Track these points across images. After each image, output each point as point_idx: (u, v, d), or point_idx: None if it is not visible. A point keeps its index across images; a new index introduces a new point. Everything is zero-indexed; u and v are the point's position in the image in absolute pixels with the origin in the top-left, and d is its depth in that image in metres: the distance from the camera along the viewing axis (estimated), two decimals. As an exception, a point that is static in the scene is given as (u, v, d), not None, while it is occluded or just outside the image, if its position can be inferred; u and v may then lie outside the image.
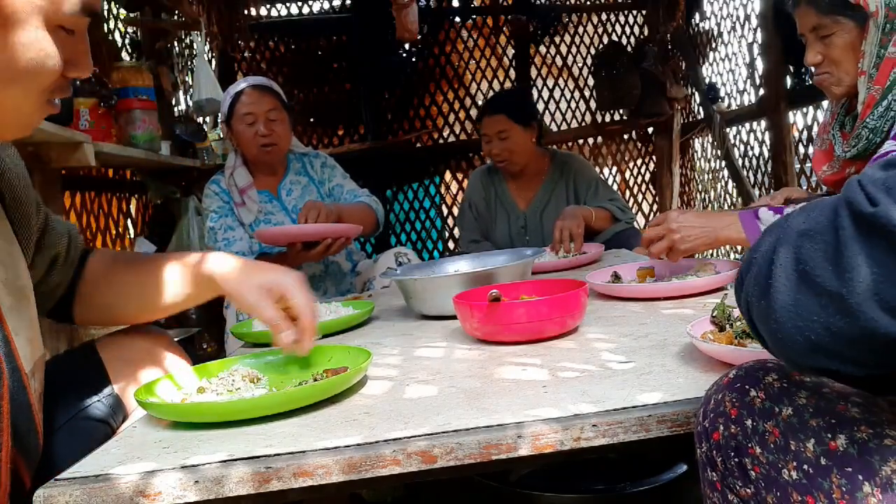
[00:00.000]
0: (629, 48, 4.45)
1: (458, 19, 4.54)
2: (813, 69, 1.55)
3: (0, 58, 0.77)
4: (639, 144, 4.69)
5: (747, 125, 3.83)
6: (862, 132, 1.46)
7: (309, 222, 2.05)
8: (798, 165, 3.43)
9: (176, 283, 1.07)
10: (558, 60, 4.61)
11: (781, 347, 0.55)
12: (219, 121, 2.36)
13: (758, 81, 3.65)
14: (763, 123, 3.62)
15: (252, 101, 2.21)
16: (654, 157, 4.62)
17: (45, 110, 0.86)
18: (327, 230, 2.04)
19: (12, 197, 0.98)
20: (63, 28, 0.82)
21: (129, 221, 3.41)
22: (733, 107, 3.96)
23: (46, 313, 1.11)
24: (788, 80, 3.34)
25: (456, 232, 4.61)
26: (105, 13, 3.10)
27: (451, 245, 4.66)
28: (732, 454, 0.65)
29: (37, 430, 0.93)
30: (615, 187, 4.76)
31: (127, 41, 3.35)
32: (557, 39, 4.57)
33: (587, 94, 4.60)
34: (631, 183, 4.71)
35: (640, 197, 4.72)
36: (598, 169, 4.70)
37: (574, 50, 4.60)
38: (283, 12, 4.45)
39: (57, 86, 0.84)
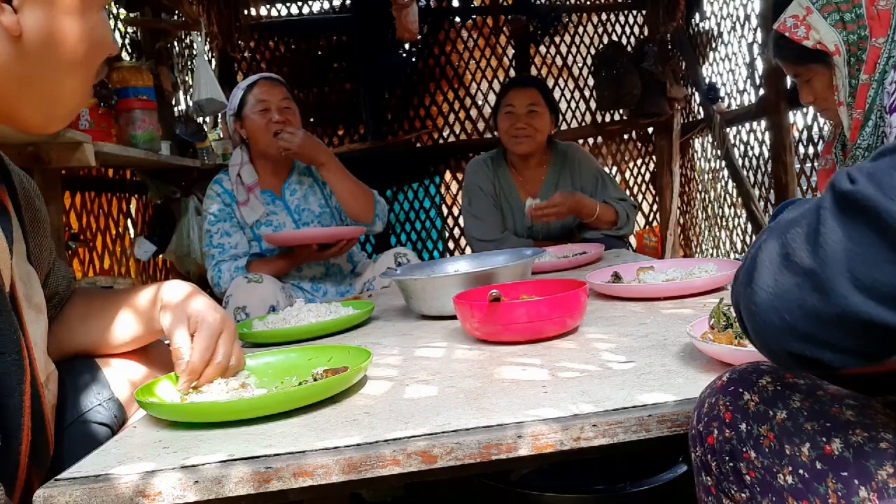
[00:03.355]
0: (629, 48, 4.45)
1: (458, 19, 4.54)
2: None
3: (71, 42, 0.80)
4: (639, 144, 4.69)
5: (747, 125, 3.83)
6: (856, 152, 1.56)
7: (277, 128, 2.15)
8: (798, 165, 3.43)
9: (136, 319, 1.06)
10: (558, 60, 4.61)
11: (759, 332, 0.55)
12: (228, 114, 2.35)
13: (758, 81, 3.65)
14: (763, 123, 3.62)
15: (265, 90, 2.23)
16: (654, 157, 4.62)
17: (90, 94, 0.91)
18: (330, 234, 2.13)
19: (33, 227, 1.02)
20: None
21: (129, 221, 3.41)
22: (733, 107, 3.96)
23: None
24: (788, 80, 3.34)
25: (456, 231, 4.61)
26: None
27: (451, 245, 4.66)
28: (727, 458, 0.65)
29: (48, 439, 0.94)
30: (616, 183, 4.76)
31: (127, 41, 3.35)
32: (557, 39, 4.57)
33: (587, 94, 4.60)
34: (631, 183, 4.71)
35: (640, 197, 4.72)
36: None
37: (574, 50, 4.60)
38: (283, 12, 4.45)
39: (100, 67, 0.88)
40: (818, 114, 1.76)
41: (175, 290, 1.04)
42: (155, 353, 1.15)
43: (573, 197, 2.38)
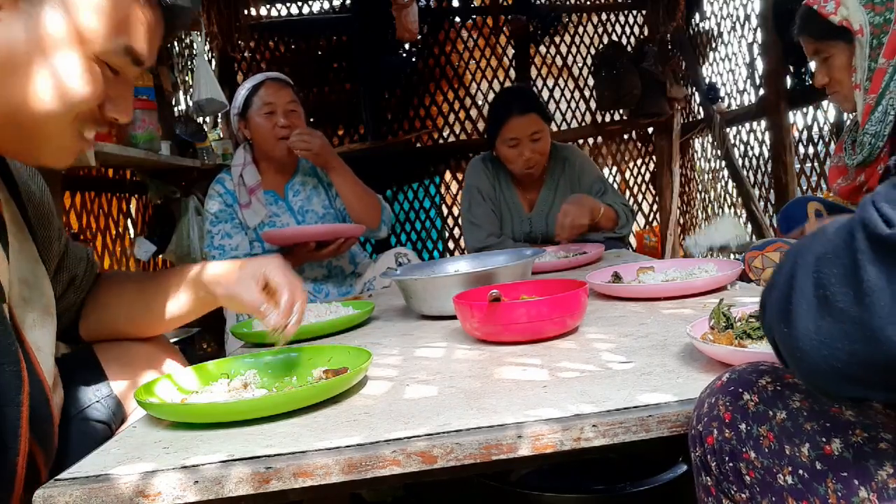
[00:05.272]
0: (629, 48, 4.45)
1: (458, 19, 4.55)
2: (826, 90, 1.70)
3: (41, 79, 0.80)
4: (639, 144, 4.69)
5: (747, 125, 3.83)
6: (864, 138, 1.54)
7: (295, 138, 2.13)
8: (798, 165, 3.43)
9: (177, 296, 1.10)
10: (558, 60, 4.61)
11: (809, 376, 0.54)
12: (231, 113, 2.33)
13: (758, 81, 3.65)
14: (763, 123, 3.62)
15: (272, 92, 2.21)
16: (654, 157, 4.62)
17: (79, 143, 0.88)
18: (328, 231, 2.09)
19: (38, 220, 1.03)
20: (108, 66, 0.85)
21: (129, 221, 3.41)
22: (733, 107, 3.97)
23: (59, 336, 1.13)
24: (788, 80, 3.34)
25: (456, 231, 4.61)
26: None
27: (451, 245, 4.66)
28: (727, 459, 0.65)
29: (54, 441, 0.95)
30: (615, 187, 4.76)
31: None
32: (557, 39, 4.57)
33: (587, 94, 4.60)
34: (631, 183, 4.71)
35: (640, 197, 4.73)
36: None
37: (574, 50, 4.60)
38: (283, 12, 4.45)
39: (92, 118, 0.87)
40: (830, 98, 1.72)
41: (217, 269, 1.08)
42: (156, 348, 1.15)
43: (583, 208, 2.29)
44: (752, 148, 3.83)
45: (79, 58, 0.82)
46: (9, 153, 0.91)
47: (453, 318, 1.35)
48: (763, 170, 3.71)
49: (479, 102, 4.60)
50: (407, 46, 4.38)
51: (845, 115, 2.75)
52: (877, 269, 0.47)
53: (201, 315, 1.14)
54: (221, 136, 3.79)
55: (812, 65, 1.75)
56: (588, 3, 4.59)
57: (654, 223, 4.67)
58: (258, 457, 0.75)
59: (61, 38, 0.80)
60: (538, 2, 4.44)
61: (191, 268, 1.11)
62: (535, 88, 4.57)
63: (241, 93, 2.26)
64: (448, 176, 4.62)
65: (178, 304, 1.10)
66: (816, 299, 0.51)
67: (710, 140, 4.14)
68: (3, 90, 0.80)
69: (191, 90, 3.52)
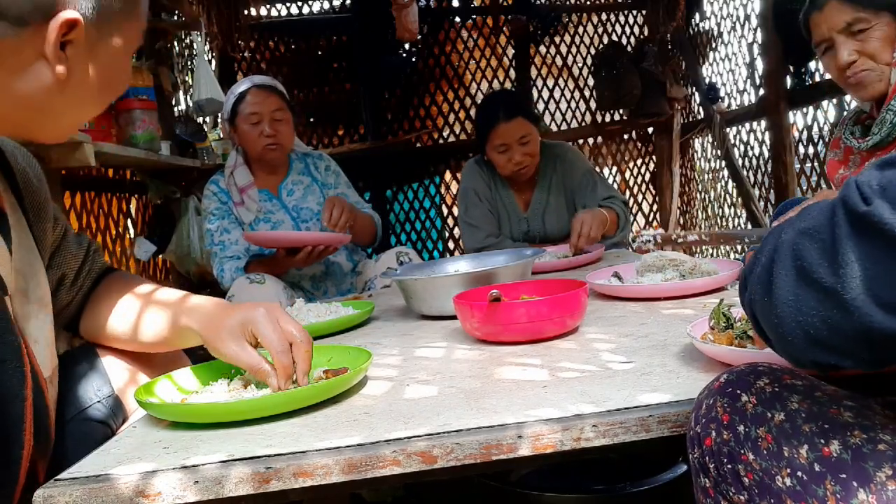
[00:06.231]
0: (629, 48, 4.45)
1: (458, 19, 4.55)
2: (847, 70, 1.56)
3: (104, 84, 0.89)
4: (639, 144, 4.69)
5: (747, 125, 3.84)
6: (886, 115, 1.49)
7: (334, 216, 2.08)
8: (798, 165, 3.43)
9: (163, 325, 1.04)
10: (558, 60, 4.61)
11: (783, 342, 0.57)
12: (222, 119, 2.35)
13: (758, 81, 3.65)
14: (763, 123, 3.62)
15: (257, 100, 2.21)
16: (654, 157, 4.62)
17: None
18: (311, 238, 2.07)
19: (34, 210, 1.01)
20: None
21: (129, 221, 3.41)
22: (733, 107, 3.97)
23: (63, 327, 1.13)
24: (788, 80, 3.34)
25: (456, 231, 4.61)
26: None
27: (451, 245, 4.66)
28: (725, 460, 0.64)
29: (50, 434, 0.95)
30: (615, 187, 4.76)
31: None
32: (557, 39, 4.57)
33: (587, 94, 4.60)
34: (631, 183, 4.71)
35: (640, 197, 4.73)
36: (597, 169, 4.70)
37: (574, 50, 4.60)
38: (283, 12, 4.45)
39: None
40: (855, 79, 1.57)
41: (204, 316, 1.00)
42: None
43: (595, 213, 2.26)
44: (752, 148, 3.83)
45: (126, 59, 0.92)
46: (6, 130, 0.91)
47: (453, 318, 1.36)
48: (763, 170, 3.71)
49: (479, 102, 4.61)
50: (407, 46, 4.38)
51: (845, 111, 2.73)
52: (852, 242, 0.50)
53: (186, 347, 1.08)
54: (221, 136, 3.79)
55: (816, 64, 1.69)
56: (588, 3, 4.59)
57: (654, 223, 4.67)
58: (258, 457, 0.75)
59: (132, 45, 0.91)
60: (538, 2, 4.44)
61: (182, 299, 1.04)
62: (535, 88, 4.58)
63: (230, 99, 2.27)
64: (448, 176, 4.62)
65: (163, 334, 1.04)
66: (795, 269, 0.54)
67: (710, 140, 4.14)
68: (79, 104, 0.88)
69: (191, 90, 3.52)
